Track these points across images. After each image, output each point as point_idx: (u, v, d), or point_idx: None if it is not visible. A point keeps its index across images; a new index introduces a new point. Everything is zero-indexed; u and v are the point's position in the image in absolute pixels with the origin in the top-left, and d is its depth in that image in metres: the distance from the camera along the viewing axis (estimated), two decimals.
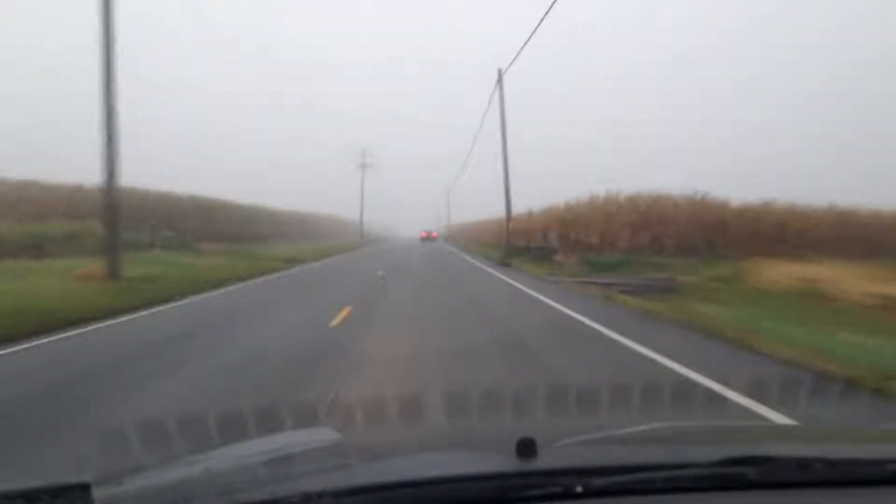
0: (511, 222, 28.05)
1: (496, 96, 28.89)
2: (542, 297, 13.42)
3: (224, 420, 4.01)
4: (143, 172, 42.10)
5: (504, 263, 24.83)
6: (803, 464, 1.49)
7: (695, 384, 5.74)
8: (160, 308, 13.27)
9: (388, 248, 55.20)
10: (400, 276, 20.32)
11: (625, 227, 25.79)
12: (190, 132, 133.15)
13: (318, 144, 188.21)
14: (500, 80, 28.50)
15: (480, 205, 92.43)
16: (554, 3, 18.67)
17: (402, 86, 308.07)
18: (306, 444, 2.12)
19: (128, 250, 28.85)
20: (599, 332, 8.88)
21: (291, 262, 31.40)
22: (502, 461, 1.49)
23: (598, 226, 26.32)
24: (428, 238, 79.61)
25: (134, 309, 12.90)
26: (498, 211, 54.68)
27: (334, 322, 10.04)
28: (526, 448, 1.47)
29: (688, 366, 6.40)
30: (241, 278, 20.65)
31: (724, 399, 5.23)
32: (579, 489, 1.39)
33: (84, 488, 1.35)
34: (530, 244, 29.69)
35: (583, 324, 9.80)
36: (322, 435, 2.53)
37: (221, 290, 16.84)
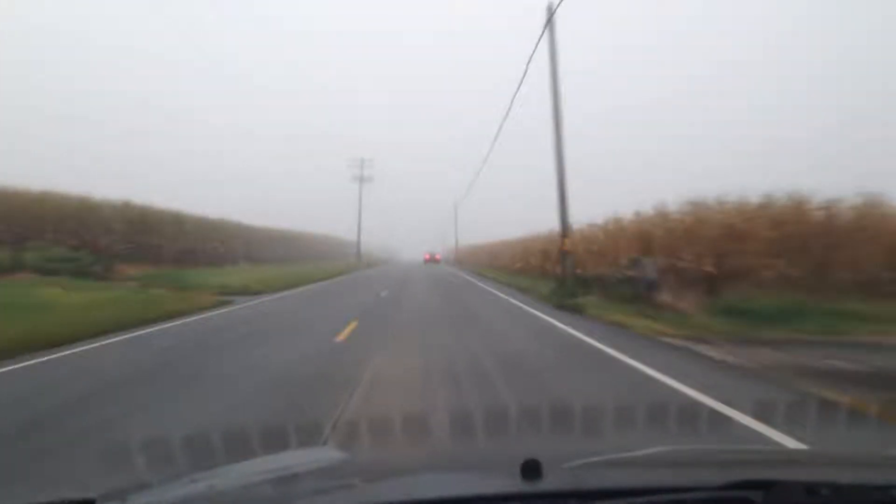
0: (568, 239, 17.97)
1: (537, 61, 19.12)
2: None
3: None
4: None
5: (568, 307, 14.71)
6: (810, 488, 1.45)
7: None
8: None
9: (384, 273, 45.07)
10: (388, 341, 10.26)
11: (762, 247, 15.70)
12: (195, 156, 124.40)
13: (324, 168, 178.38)
14: (550, 23, 18.64)
15: (491, 227, 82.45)
16: None
17: (409, 108, 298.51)
18: (311, 463, 2.07)
19: None
20: None
21: (235, 294, 21.42)
22: (507, 482, 1.49)
23: (709, 246, 16.27)
24: (431, 260, 79.64)
25: None
26: (517, 230, 44.64)
27: None
28: (531, 469, 1.44)
29: None
30: (80, 338, 10.69)
31: None
32: None
33: None
34: (578, 272, 19.56)
35: None
36: (327, 454, 2.44)
37: None
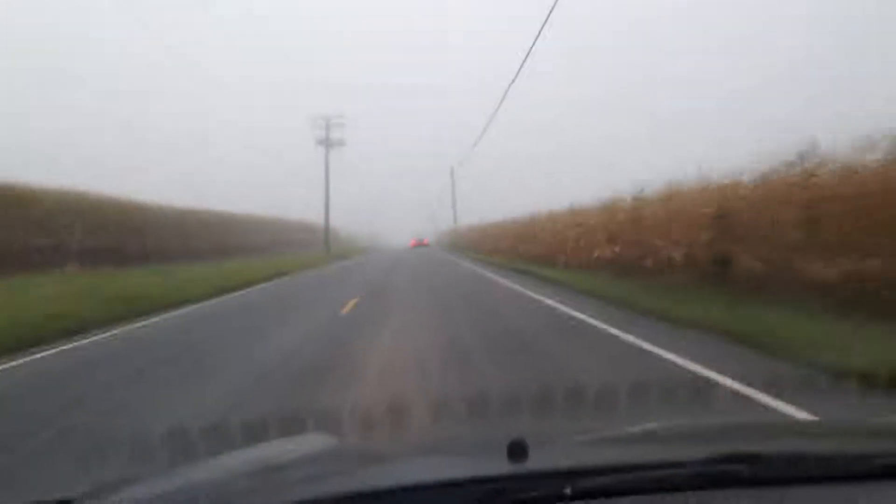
0: None
1: None
2: None
3: None
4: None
5: None
6: (794, 460, 1.45)
7: None
8: None
9: (353, 271, 26.76)
10: None
11: None
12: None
13: (297, 146, 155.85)
14: None
15: (496, 207, 62.61)
16: None
17: (394, 72, 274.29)
18: (300, 450, 1.99)
19: None
20: None
21: None
22: (493, 464, 1.47)
23: None
24: (419, 244, 75.83)
25: None
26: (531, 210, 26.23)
27: None
28: (517, 450, 1.43)
29: None
30: None
31: None
32: (568, 491, 1.32)
33: None
34: None
35: None
36: (316, 441, 2.34)
37: None
